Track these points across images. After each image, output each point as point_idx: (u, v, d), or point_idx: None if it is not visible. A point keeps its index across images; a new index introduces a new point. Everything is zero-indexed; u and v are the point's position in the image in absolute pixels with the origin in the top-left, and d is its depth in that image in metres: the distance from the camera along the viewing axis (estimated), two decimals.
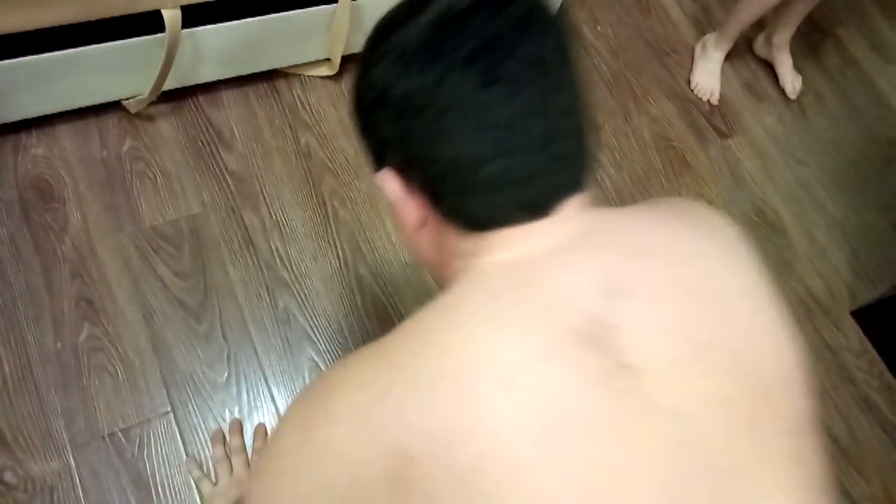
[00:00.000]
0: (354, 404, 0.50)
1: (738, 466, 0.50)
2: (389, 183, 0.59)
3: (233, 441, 1.18)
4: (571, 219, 0.56)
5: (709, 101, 1.93)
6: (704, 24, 2.07)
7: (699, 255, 0.57)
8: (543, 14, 0.56)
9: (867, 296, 1.75)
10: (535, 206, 0.55)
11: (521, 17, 0.53)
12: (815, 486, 0.53)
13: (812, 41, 2.16)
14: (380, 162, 0.61)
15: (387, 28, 0.57)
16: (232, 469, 1.15)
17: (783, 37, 1.98)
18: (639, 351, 0.50)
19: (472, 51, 0.52)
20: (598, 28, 1.95)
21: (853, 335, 1.69)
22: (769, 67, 2.05)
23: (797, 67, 2.06)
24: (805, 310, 1.69)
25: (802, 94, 2.04)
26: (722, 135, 1.90)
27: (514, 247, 0.55)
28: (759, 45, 2.06)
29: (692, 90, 1.93)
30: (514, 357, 0.49)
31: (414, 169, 0.57)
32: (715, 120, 1.91)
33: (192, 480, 1.16)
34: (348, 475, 0.49)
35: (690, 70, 1.96)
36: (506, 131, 0.52)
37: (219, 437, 1.18)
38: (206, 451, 1.19)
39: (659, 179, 1.76)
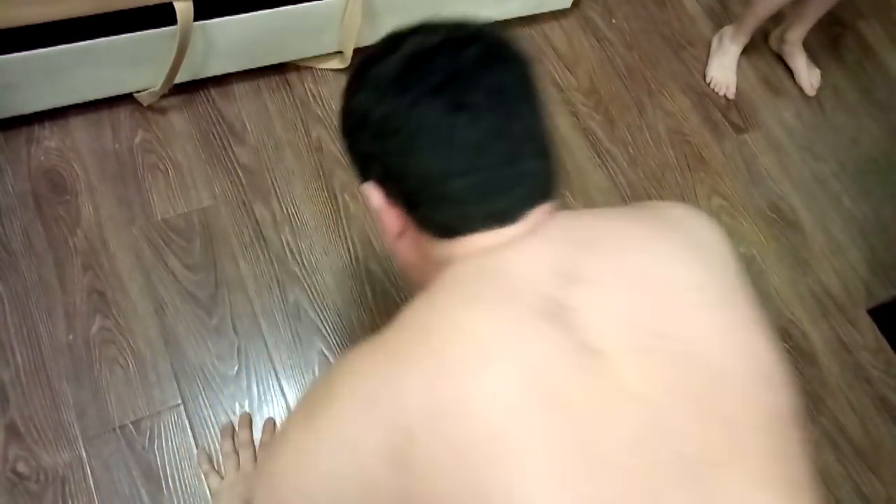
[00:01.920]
0: (355, 388, 0.56)
1: (706, 457, 0.52)
2: (372, 194, 0.67)
3: (241, 435, 1.18)
4: (534, 223, 0.62)
5: (725, 95, 1.90)
6: (721, 17, 2.04)
7: (650, 250, 0.62)
8: (503, 51, 0.64)
9: (884, 293, 1.72)
10: (501, 216, 0.62)
11: (482, 55, 0.62)
12: (794, 479, 0.55)
13: (831, 34, 2.12)
14: (364, 176, 0.68)
15: (367, 62, 0.65)
16: (239, 464, 1.15)
17: (796, 34, 1.94)
18: (598, 334, 0.55)
19: (439, 82, 0.60)
20: (613, 21, 1.93)
21: (869, 333, 1.67)
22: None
23: (816, 62, 2.02)
24: (821, 307, 1.67)
25: (820, 88, 2.01)
26: (738, 130, 1.87)
27: (482, 247, 0.62)
28: (774, 41, 2.03)
29: (708, 84, 1.91)
30: (484, 331, 0.54)
31: (391, 182, 0.65)
32: (731, 115, 1.89)
33: (201, 473, 1.16)
34: (349, 455, 0.53)
35: (706, 64, 1.94)
36: (470, 152, 0.60)
37: (228, 432, 1.18)
38: (217, 443, 1.20)
39: (673, 175, 1.74)
